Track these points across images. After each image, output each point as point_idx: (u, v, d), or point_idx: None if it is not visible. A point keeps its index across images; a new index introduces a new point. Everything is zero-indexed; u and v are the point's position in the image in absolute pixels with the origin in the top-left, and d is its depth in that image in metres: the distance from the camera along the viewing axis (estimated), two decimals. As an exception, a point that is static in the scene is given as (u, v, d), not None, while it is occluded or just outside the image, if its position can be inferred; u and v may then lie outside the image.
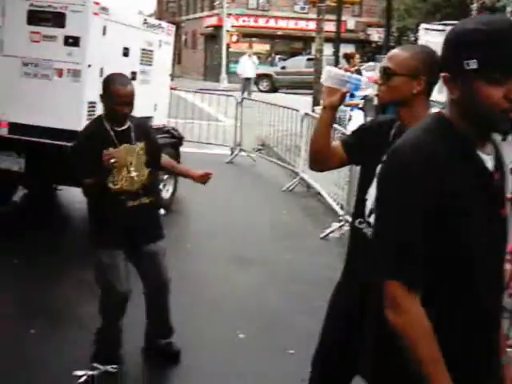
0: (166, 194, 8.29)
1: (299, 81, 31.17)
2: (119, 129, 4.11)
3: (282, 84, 32.97)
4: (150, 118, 8.41)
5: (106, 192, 4.04)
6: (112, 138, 4.04)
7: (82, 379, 4.02)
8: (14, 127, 7.26)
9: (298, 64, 33.62)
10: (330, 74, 2.85)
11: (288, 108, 11.84)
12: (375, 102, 11.14)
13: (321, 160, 3.02)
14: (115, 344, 4.30)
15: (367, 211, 2.82)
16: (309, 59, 31.34)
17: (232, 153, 12.70)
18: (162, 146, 4.56)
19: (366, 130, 3.02)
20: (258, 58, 31.70)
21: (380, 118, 3.17)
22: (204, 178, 4.50)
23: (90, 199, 4.20)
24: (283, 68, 34.53)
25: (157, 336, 4.45)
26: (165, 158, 4.52)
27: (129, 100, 4.04)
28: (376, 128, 2.94)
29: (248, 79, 27.31)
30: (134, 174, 4.07)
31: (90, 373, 4.08)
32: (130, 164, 4.06)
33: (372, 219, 2.77)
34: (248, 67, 27.58)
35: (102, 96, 4.10)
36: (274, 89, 32.28)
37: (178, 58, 41.37)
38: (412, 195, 1.87)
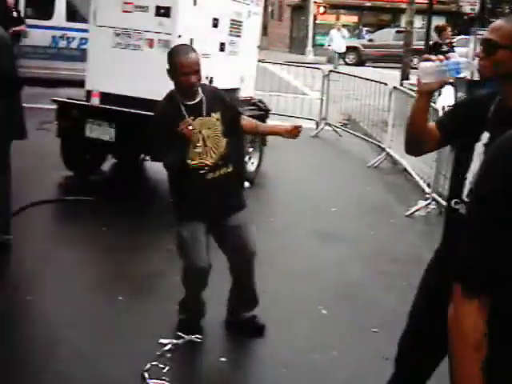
0: (250, 167, 8.31)
1: (387, 54, 30.58)
2: (190, 103, 4.04)
3: (368, 57, 32.42)
4: (236, 89, 8.43)
5: (185, 166, 4.03)
6: (183, 112, 4.00)
7: (167, 347, 4.10)
8: (105, 97, 7.42)
9: (387, 36, 32.92)
10: (426, 71, 2.72)
11: (376, 82, 11.64)
12: (467, 76, 10.83)
13: (418, 145, 2.93)
14: (198, 315, 4.37)
15: (465, 191, 2.72)
16: (398, 31, 30.67)
17: (317, 127, 12.60)
18: (238, 111, 4.39)
19: (462, 108, 2.92)
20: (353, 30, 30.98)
21: (478, 93, 3.04)
22: (293, 132, 4.24)
23: (171, 173, 4.21)
24: (371, 40, 33.91)
25: (242, 308, 4.44)
26: (246, 121, 4.39)
27: (193, 69, 3.91)
28: (473, 104, 2.83)
29: (337, 53, 26.80)
30: (210, 146, 4.03)
31: (175, 341, 4.16)
32: (207, 137, 4.03)
33: None
34: (337, 41, 27.01)
35: (168, 70, 4.01)
36: (360, 62, 31.79)
37: (264, 30, 41.23)
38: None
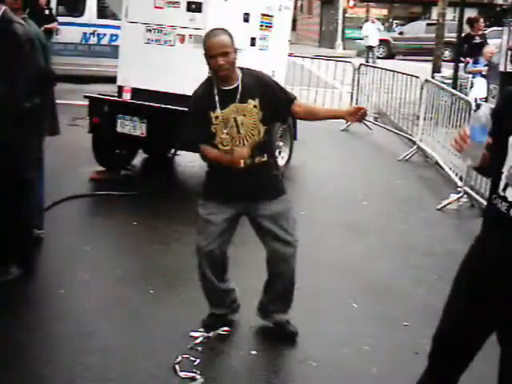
0: (281, 161, 8.30)
1: (418, 47, 30.29)
2: (226, 88, 3.91)
3: (399, 50, 32.16)
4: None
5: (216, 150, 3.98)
6: (215, 97, 3.90)
7: (198, 340, 4.13)
8: (136, 93, 7.48)
9: (417, 29, 32.59)
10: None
11: (407, 74, 11.55)
12: (501, 68, 10.70)
13: (486, 169, 2.90)
14: (216, 303, 4.32)
15: (502, 185, 2.70)
16: (428, 24, 30.37)
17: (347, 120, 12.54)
18: (289, 97, 4.12)
19: (498, 110, 2.86)
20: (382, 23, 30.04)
21: (507, 89, 2.98)
22: (357, 114, 3.96)
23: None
24: (401, 33, 33.61)
25: (273, 307, 4.30)
26: (303, 107, 4.19)
27: (221, 51, 3.78)
28: (506, 102, 2.80)
29: (371, 47, 26.20)
30: (243, 133, 3.92)
31: (206, 334, 4.19)
32: (241, 124, 3.91)
33: (507, 193, 2.66)
34: (371, 34, 26.29)
35: (204, 54, 3.92)
36: (390, 55, 31.55)
37: (293, 24, 41.13)
38: None
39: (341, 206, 7.40)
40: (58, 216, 6.19)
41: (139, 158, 8.55)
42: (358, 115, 3.96)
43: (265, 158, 4.03)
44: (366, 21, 29.01)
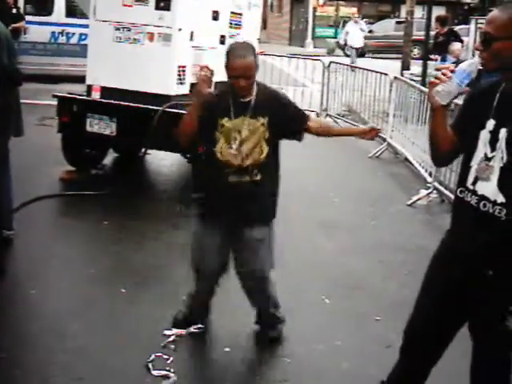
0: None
1: (387, 45, 30.49)
2: (241, 100, 3.78)
3: (369, 48, 32.33)
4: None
5: (211, 161, 3.84)
6: (230, 106, 3.76)
7: (171, 338, 4.12)
8: (105, 91, 7.42)
9: (387, 27, 32.82)
10: (441, 94, 2.71)
11: (376, 72, 11.63)
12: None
13: (444, 156, 2.96)
14: (204, 310, 4.33)
15: (471, 179, 2.73)
16: (398, 22, 30.59)
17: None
18: (303, 114, 4.03)
19: (468, 103, 2.90)
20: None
21: (481, 84, 3.01)
22: (371, 134, 3.99)
23: (195, 167, 4.16)
24: (370, 32, 33.81)
25: (262, 326, 4.33)
26: (317, 123, 4.17)
27: (242, 74, 3.64)
28: (478, 95, 2.83)
29: (355, 49, 23.34)
30: (244, 149, 3.75)
31: (179, 332, 4.18)
32: (245, 139, 3.76)
33: (477, 187, 2.69)
34: (354, 34, 23.64)
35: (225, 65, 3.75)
36: (361, 54, 31.72)
37: (263, 23, 41.16)
38: None
39: (312, 204, 7.43)
40: (27, 217, 6.13)
41: (110, 158, 8.49)
42: (372, 134, 4.00)
43: (259, 178, 3.84)
44: (347, 20, 27.51)
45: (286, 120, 3.87)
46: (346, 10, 39.12)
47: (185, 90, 7.31)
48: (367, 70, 12.18)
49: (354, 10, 40.79)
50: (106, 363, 3.86)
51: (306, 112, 4.05)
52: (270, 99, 3.85)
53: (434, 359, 3.06)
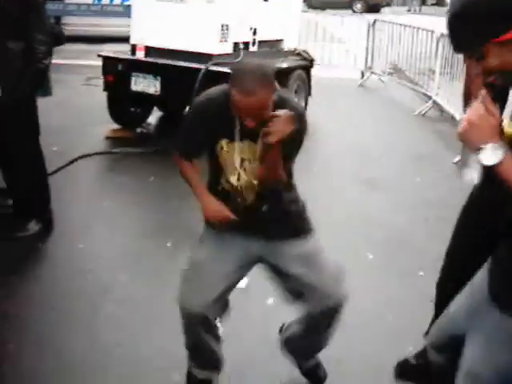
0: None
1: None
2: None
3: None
4: (280, 40, 8.38)
5: (217, 184, 2.96)
6: (234, 128, 2.75)
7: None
8: (150, 50, 7.48)
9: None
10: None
11: (422, 29, 11.42)
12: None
13: None
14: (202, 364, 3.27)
15: None
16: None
17: (363, 76, 12.48)
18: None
19: None
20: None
21: None
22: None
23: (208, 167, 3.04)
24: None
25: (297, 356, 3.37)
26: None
27: (249, 114, 2.55)
28: None
29: None
30: (247, 181, 2.84)
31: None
32: (248, 168, 2.82)
33: None
34: None
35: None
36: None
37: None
38: None
39: (356, 161, 7.40)
40: (75, 174, 6.26)
41: (154, 116, 8.58)
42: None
43: (271, 208, 2.91)
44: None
45: (291, 147, 2.74)
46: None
47: (228, 49, 7.31)
48: (413, 26, 11.96)
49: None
50: (151, 314, 3.94)
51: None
52: None
53: None
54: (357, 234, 5.33)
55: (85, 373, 3.37)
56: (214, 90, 2.82)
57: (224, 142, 2.80)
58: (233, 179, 2.86)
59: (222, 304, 3.03)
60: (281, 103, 2.65)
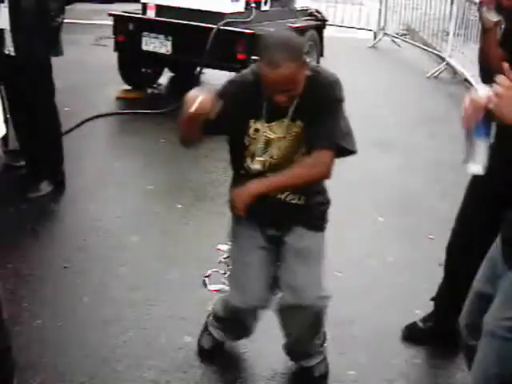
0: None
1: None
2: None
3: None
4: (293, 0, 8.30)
5: (240, 163, 2.87)
6: (262, 108, 2.67)
7: (226, 254, 4.21)
8: (160, 9, 7.41)
9: None
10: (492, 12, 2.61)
11: (437, -11, 11.27)
12: None
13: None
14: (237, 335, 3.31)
15: None
16: None
17: (375, 37, 12.35)
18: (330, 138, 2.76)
19: None
20: None
21: None
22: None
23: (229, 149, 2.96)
24: None
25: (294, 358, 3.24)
26: (312, 161, 2.75)
27: (279, 88, 2.49)
28: None
29: None
30: (274, 161, 2.75)
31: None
32: (277, 149, 2.74)
33: None
34: None
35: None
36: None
37: None
38: None
39: (368, 123, 7.35)
40: (86, 134, 6.27)
41: (165, 77, 8.54)
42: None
43: (301, 201, 2.87)
44: None
45: (318, 127, 2.68)
46: None
47: (240, 7, 7.24)
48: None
49: None
50: (162, 274, 3.97)
51: (335, 142, 2.82)
52: (318, 99, 2.63)
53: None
54: (367, 197, 5.34)
55: (98, 328, 3.42)
56: (246, 71, 2.77)
57: (252, 123, 2.72)
58: (258, 162, 2.78)
59: (272, 284, 2.95)
60: (313, 77, 2.61)
